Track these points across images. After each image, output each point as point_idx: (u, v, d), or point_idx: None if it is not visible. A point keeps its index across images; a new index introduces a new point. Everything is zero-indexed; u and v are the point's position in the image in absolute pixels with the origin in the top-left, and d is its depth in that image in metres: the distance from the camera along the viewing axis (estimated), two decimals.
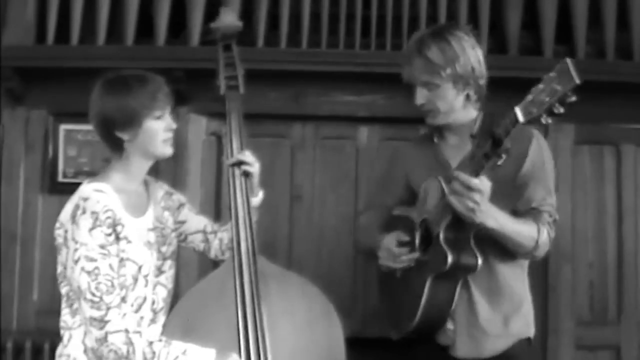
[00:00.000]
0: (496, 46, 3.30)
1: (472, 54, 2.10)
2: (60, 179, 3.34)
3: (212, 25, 2.20)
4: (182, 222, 2.10)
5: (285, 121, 3.38)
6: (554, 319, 3.27)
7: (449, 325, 2.10)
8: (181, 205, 2.11)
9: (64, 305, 1.88)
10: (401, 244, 2.16)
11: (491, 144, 1.84)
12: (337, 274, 3.25)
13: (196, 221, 2.12)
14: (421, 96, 2.13)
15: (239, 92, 2.12)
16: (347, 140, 3.43)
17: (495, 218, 1.96)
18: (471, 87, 2.12)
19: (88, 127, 3.26)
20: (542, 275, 3.28)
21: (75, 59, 3.22)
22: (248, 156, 2.01)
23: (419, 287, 2.05)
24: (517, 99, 1.84)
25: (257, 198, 2.06)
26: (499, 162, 1.85)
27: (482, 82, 2.14)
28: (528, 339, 2.16)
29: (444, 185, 2.00)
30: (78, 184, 3.21)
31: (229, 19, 2.17)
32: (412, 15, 3.24)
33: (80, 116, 3.27)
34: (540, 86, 1.78)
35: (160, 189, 2.07)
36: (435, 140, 2.25)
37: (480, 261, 2.02)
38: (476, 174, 1.89)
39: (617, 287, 3.35)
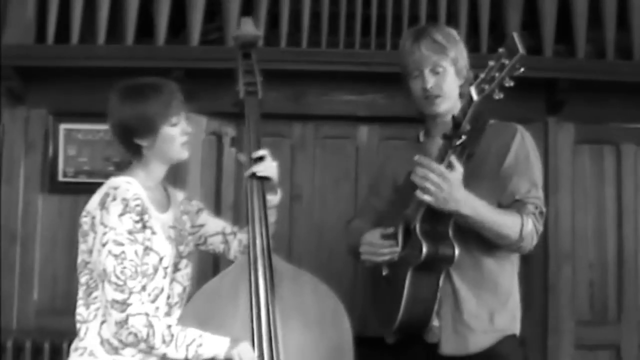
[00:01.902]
0: (496, 46, 3.28)
1: (463, 47, 2.18)
2: (61, 178, 3.35)
3: (232, 35, 2.28)
4: (202, 226, 2.16)
5: (286, 121, 3.38)
6: (554, 319, 3.27)
7: (435, 322, 2.08)
8: (200, 209, 2.17)
9: (80, 296, 1.92)
10: (384, 237, 2.15)
11: (452, 126, 1.90)
12: (337, 273, 3.24)
13: (215, 224, 2.18)
14: (429, 79, 2.12)
15: (257, 97, 2.19)
16: (347, 139, 3.43)
17: (471, 206, 1.94)
18: (463, 79, 2.14)
19: (88, 126, 3.32)
20: (542, 275, 3.29)
21: (75, 59, 3.22)
22: (263, 163, 2.05)
23: (402, 283, 2.04)
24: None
25: (276, 197, 2.10)
26: (458, 142, 1.89)
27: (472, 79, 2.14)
28: (514, 336, 2.13)
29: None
30: (78, 183, 3.27)
31: (249, 28, 2.24)
32: (412, 14, 3.24)
33: (80, 115, 3.32)
34: (491, 63, 1.86)
35: (180, 194, 2.14)
36: (422, 139, 2.25)
37: (457, 252, 2.00)
38: (441, 159, 1.91)
39: (617, 286, 3.35)
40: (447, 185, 1.88)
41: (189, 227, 2.09)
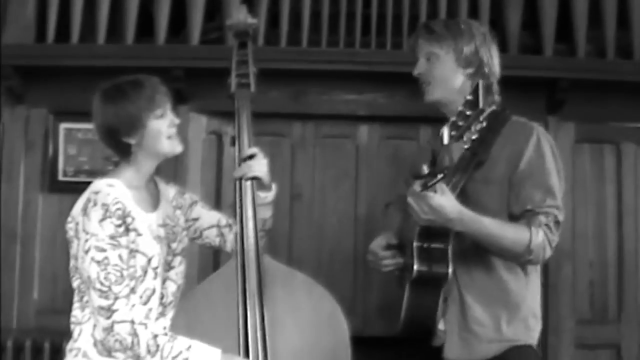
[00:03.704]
0: (496, 45, 3.29)
1: (480, 40, 2.11)
2: (61, 177, 3.35)
3: (226, 23, 2.21)
4: (196, 219, 2.11)
5: (286, 120, 3.38)
6: (555, 318, 3.27)
7: (441, 326, 2.06)
8: (193, 202, 2.13)
9: (75, 299, 1.91)
10: (387, 247, 2.15)
11: (430, 161, 1.86)
12: (337, 272, 3.25)
13: (210, 216, 2.14)
14: (420, 66, 2.14)
15: (249, 90, 2.11)
16: (347, 139, 3.43)
17: (465, 224, 1.91)
18: (472, 68, 2.10)
19: (88, 125, 3.29)
20: (542, 274, 3.26)
21: (75, 58, 3.22)
22: (252, 162, 1.98)
23: (404, 291, 2.04)
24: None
25: (271, 193, 2.06)
26: (434, 181, 1.82)
27: (488, 71, 2.11)
28: (529, 346, 2.07)
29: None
30: (78, 183, 3.27)
31: (242, 16, 2.15)
32: (413, 14, 3.24)
33: (80, 115, 3.29)
34: (460, 108, 1.76)
35: (172, 189, 2.10)
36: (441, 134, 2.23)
37: (450, 271, 1.96)
38: (426, 187, 1.85)
39: (618, 285, 3.35)
40: (429, 209, 1.85)
41: (182, 223, 2.06)
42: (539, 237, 1.97)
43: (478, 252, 2.02)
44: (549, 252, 2.01)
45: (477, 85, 1.74)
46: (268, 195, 2.05)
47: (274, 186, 2.06)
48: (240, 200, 1.97)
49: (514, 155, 2.03)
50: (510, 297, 2.06)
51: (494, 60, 2.14)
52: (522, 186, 2.02)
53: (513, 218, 2.03)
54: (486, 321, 2.04)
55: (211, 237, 2.14)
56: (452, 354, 2.05)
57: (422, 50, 2.14)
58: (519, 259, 2.00)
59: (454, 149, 2.03)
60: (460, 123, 1.74)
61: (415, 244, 1.97)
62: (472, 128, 1.72)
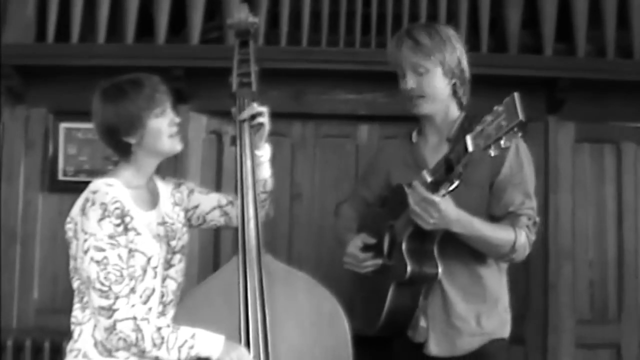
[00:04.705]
0: (496, 45, 3.30)
1: (458, 46, 2.14)
2: (61, 177, 3.35)
3: (227, 22, 2.21)
4: (196, 207, 2.11)
5: (286, 119, 3.37)
6: (555, 318, 3.27)
7: (422, 323, 2.11)
8: (191, 191, 2.12)
9: (75, 300, 1.91)
10: (367, 247, 2.17)
11: (444, 169, 1.85)
12: (337, 272, 3.23)
13: (209, 200, 2.13)
14: (412, 80, 2.13)
15: (251, 89, 2.12)
16: (347, 138, 3.44)
17: (463, 225, 1.96)
18: (457, 79, 2.13)
19: (88, 125, 3.28)
20: (542, 274, 3.28)
21: (75, 57, 3.22)
22: (257, 107, 2.07)
23: (385, 289, 2.07)
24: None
25: (267, 151, 2.11)
26: (451, 188, 1.86)
27: (466, 77, 2.15)
28: (503, 339, 2.14)
29: (408, 193, 1.96)
30: (78, 182, 3.27)
31: (243, 15, 2.15)
32: (413, 13, 3.24)
33: (80, 114, 3.28)
34: (489, 118, 1.73)
35: (169, 185, 2.09)
36: (414, 139, 2.25)
37: (440, 271, 2.03)
38: (434, 189, 1.88)
39: (618, 285, 3.35)
40: (438, 214, 1.90)
41: (182, 219, 2.05)
42: (522, 238, 2.05)
43: (457, 251, 2.06)
44: (528, 251, 2.09)
45: (514, 96, 1.68)
46: (264, 154, 2.10)
47: (267, 146, 2.12)
48: (243, 198, 1.98)
49: (495, 161, 2.04)
50: (489, 293, 2.13)
51: (465, 63, 2.16)
52: (504, 190, 2.09)
53: (494, 219, 2.09)
54: (468, 317, 2.09)
55: (215, 218, 2.13)
56: (435, 349, 2.10)
57: (408, 61, 2.12)
58: (504, 257, 2.08)
59: (435, 152, 2.09)
60: (491, 132, 1.71)
61: (405, 246, 2.02)
62: (505, 138, 1.69)
